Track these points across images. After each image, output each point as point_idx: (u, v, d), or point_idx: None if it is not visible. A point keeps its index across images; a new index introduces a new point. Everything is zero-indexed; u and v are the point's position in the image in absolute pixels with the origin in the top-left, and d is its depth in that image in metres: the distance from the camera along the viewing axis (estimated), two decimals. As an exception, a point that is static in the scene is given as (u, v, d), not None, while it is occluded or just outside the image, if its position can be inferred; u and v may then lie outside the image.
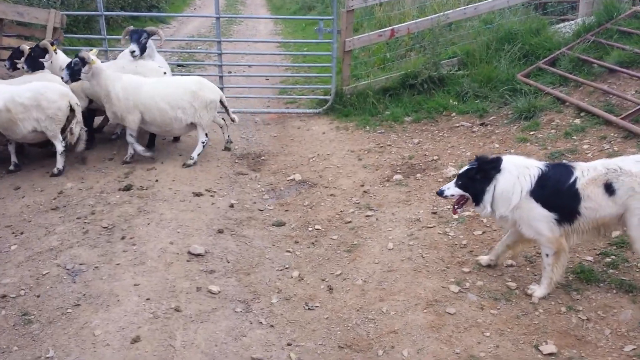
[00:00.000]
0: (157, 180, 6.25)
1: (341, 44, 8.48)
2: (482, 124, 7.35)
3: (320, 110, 8.80)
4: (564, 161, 4.42)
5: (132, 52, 7.10)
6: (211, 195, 6.02)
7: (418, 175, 6.23)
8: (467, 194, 3.98)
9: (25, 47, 6.86)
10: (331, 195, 5.99)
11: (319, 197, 6.00)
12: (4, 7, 7.67)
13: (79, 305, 3.97)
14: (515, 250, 4.29)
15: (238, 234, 5.21)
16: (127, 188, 6.05)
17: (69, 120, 6.41)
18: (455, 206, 4.12)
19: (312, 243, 5.05)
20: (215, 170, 6.75)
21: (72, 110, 6.38)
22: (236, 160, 7.16)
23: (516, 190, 3.77)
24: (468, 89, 8.13)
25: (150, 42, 7.38)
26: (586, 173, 3.69)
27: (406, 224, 5.20)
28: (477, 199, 3.93)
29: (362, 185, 6.14)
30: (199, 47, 14.06)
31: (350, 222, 5.37)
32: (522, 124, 6.94)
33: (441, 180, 5.97)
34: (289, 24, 17.75)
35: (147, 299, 4.04)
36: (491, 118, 7.43)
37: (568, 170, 3.75)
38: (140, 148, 6.72)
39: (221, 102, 6.92)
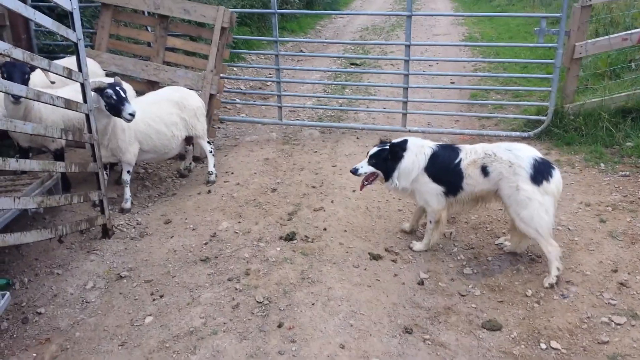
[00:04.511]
0: (325, 229, 4.96)
1: (569, 49, 6.40)
2: None
3: (530, 133, 6.83)
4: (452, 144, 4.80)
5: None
6: (392, 260, 4.55)
7: None
8: (378, 171, 4.54)
9: None
10: (568, 282, 4.12)
11: (547, 281, 4.18)
12: (169, 3, 6.83)
13: None
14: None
15: (433, 339, 3.65)
16: (290, 237, 4.86)
17: None
18: (365, 182, 4.63)
19: (551, 377, 3.30)
20: (396, 217, 5.26)
21: None
22: (423, 203, 5.58)
23: (415, 167, 4.40)
24: None
25: None
26: (469, 155, 4.29)
27: None
28: (388, 175, 4.50)
29: (615, 271, 4.16)
30: (372, 42, 12.70)
31: (606, 342, 3.49)
32: None
33: None
34: (471, 12, 15.40)
35: None
36: None
37: (455, 152, 4.35)
38: (129, 194, 5.59)
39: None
